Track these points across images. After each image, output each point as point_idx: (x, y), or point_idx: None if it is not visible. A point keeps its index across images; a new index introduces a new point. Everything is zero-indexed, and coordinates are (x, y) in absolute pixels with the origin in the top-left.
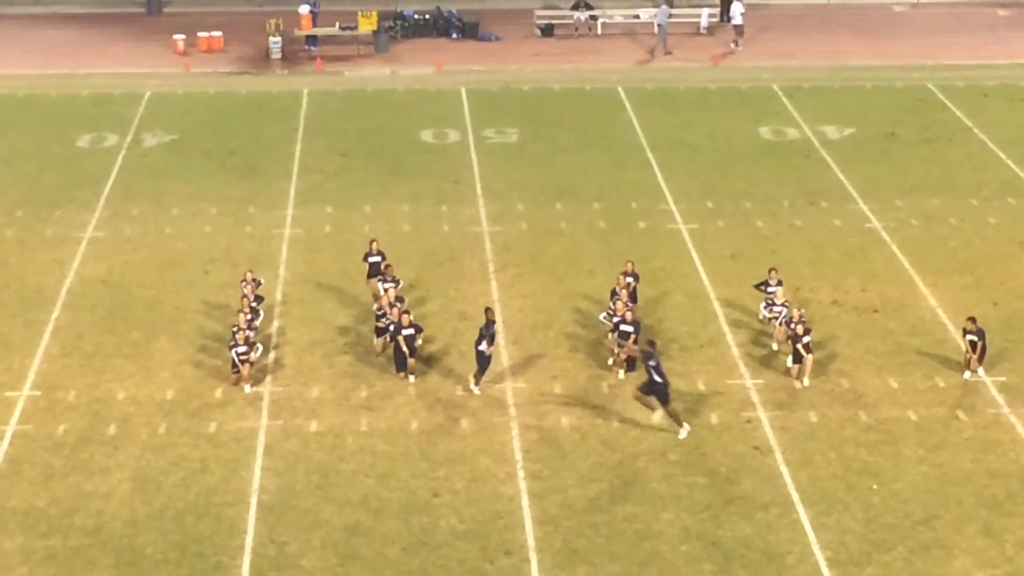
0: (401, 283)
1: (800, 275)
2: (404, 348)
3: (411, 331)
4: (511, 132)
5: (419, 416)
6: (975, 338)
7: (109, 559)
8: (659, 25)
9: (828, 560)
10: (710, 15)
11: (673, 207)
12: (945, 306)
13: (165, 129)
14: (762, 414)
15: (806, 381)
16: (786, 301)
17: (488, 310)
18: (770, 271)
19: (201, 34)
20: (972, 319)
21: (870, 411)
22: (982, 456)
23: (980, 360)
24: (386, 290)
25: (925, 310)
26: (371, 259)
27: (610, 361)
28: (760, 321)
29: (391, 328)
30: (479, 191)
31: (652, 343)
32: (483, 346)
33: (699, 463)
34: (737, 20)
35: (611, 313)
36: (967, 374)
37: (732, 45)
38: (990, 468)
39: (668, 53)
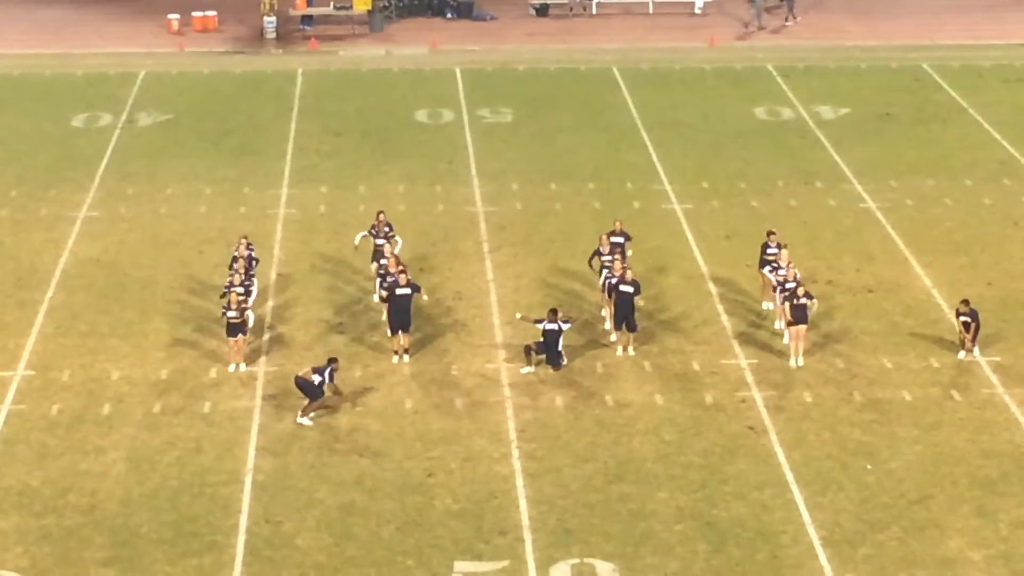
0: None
1: (795, 255)
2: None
3: (407, 290)
4: (506, 112)
5: (413, 396)
6: (968, 319)
7: (104, 539)
8: (753, 0)
9: (822, 540)
10: None
11: (668, 187)
12: (940, 286)
13: (160, 109)
14: (756, 394)
15: (800, 360)
16: (791, 263)
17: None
18: (769, 234)
19: (196, 13)
20: (965, 301)
21: (864, 391)
22: (976, 436)
23: (974, 340)
24: (378, 246)
25: (920, 290)
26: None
27: (607, 325)
28: (761, 301)
29: (387, 285)
30: (474, 171)
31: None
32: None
33: (693, 443)
34: None
35: (608, 265)
36: (962, 354)
37: (786, 21)
38: (984, 448)
39: (761, 28)
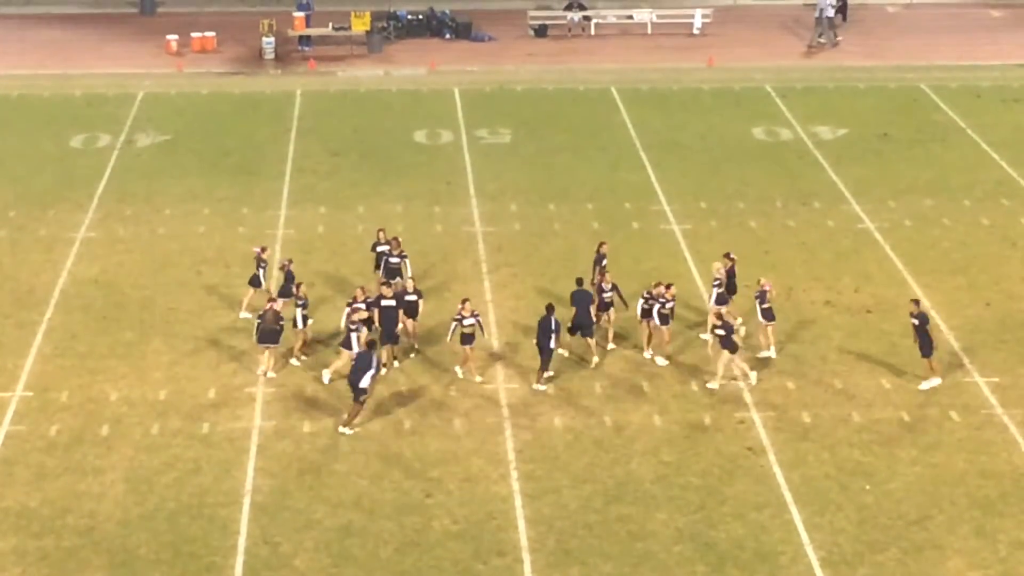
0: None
1: (793, 275)
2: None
3: (392, 303)
4: (504, 132)
5: (412, 417)
6: (916, 322)
7: (102, 560)
8: (817, 19)
9: (821, 560)
10: (703, 15)
11: (666, 208)
12: (938, 307)
13: (158, 129)
14: (755, 414)
15: (772, 351)
16: (719, 272)
17: (549, 305)
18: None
19: (194, 34)
20: (915, 301)
21: (863, 411)
22: (975, 456)
23: (925, 352)
24: (392, 265)
25: None
26: (379, 248)
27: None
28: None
29: (372, 299)
30: (472, 192)
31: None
32: (551, 342)
33: (692, 464)
34: (829, 13)
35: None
36: (924, 384)
37: (836, 38)
38: (983, 468)
39: (813, 46)
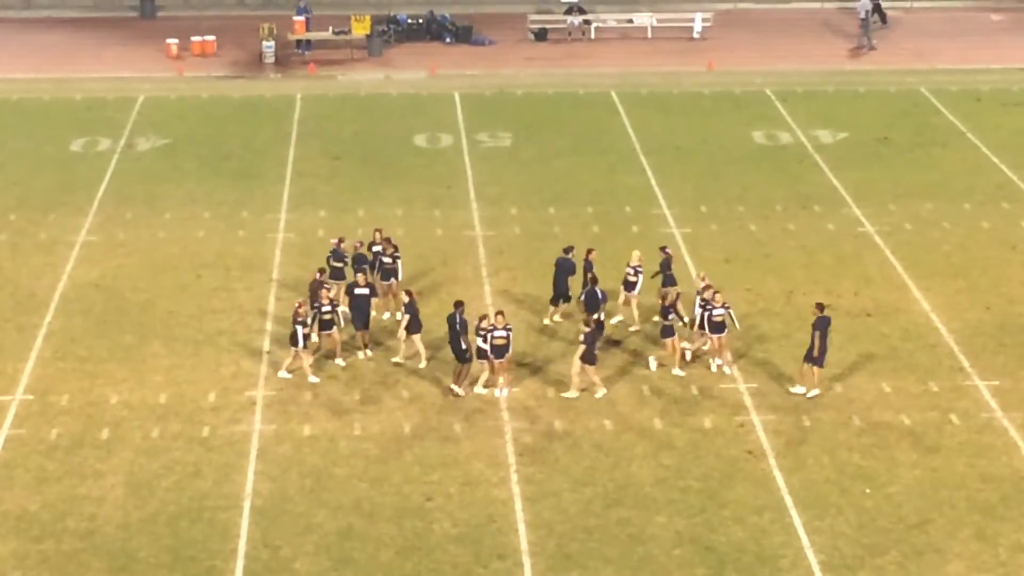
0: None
1: (793, 279)
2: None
3: (365, 291)
4: (504, 136)
5: (412, 420)
6: (813, 328)
7: (102, 563)
8: (862, 20)
9: (821, 564)
10: (704, 20)
11: (667, 211)
12: (938, 310)
13: (158, 133)
14: (755, 418)
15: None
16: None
17: (593, 278)
18: (661, 249)
19: (194, 38)
20: (819, 305)
21: (863, 415)
22: (975, 460)
23: (816, 360)
24: (387, 265)
25: (918, 314)
26: (375, 248)
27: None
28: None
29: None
30: (472, 195)
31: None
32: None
33: (692, 467)
34: (862, 15)
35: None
36: (798, 388)
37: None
38: (983, 472)
39: (871, 48)
